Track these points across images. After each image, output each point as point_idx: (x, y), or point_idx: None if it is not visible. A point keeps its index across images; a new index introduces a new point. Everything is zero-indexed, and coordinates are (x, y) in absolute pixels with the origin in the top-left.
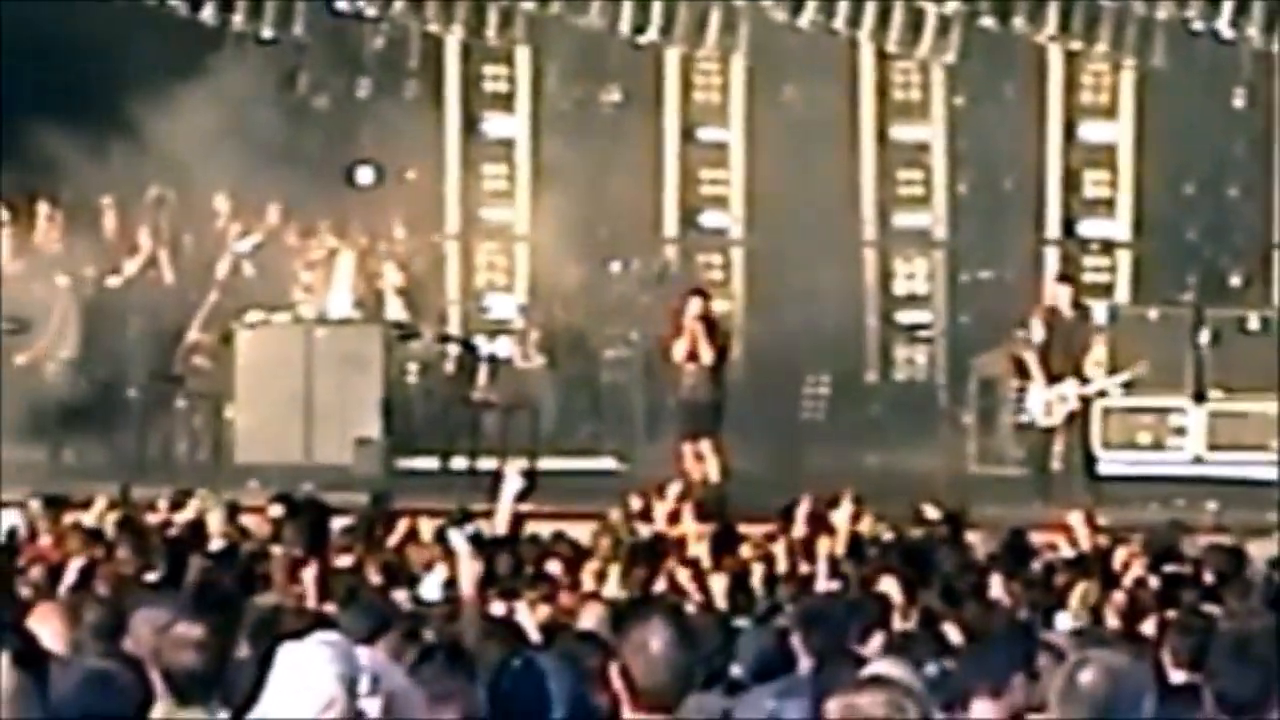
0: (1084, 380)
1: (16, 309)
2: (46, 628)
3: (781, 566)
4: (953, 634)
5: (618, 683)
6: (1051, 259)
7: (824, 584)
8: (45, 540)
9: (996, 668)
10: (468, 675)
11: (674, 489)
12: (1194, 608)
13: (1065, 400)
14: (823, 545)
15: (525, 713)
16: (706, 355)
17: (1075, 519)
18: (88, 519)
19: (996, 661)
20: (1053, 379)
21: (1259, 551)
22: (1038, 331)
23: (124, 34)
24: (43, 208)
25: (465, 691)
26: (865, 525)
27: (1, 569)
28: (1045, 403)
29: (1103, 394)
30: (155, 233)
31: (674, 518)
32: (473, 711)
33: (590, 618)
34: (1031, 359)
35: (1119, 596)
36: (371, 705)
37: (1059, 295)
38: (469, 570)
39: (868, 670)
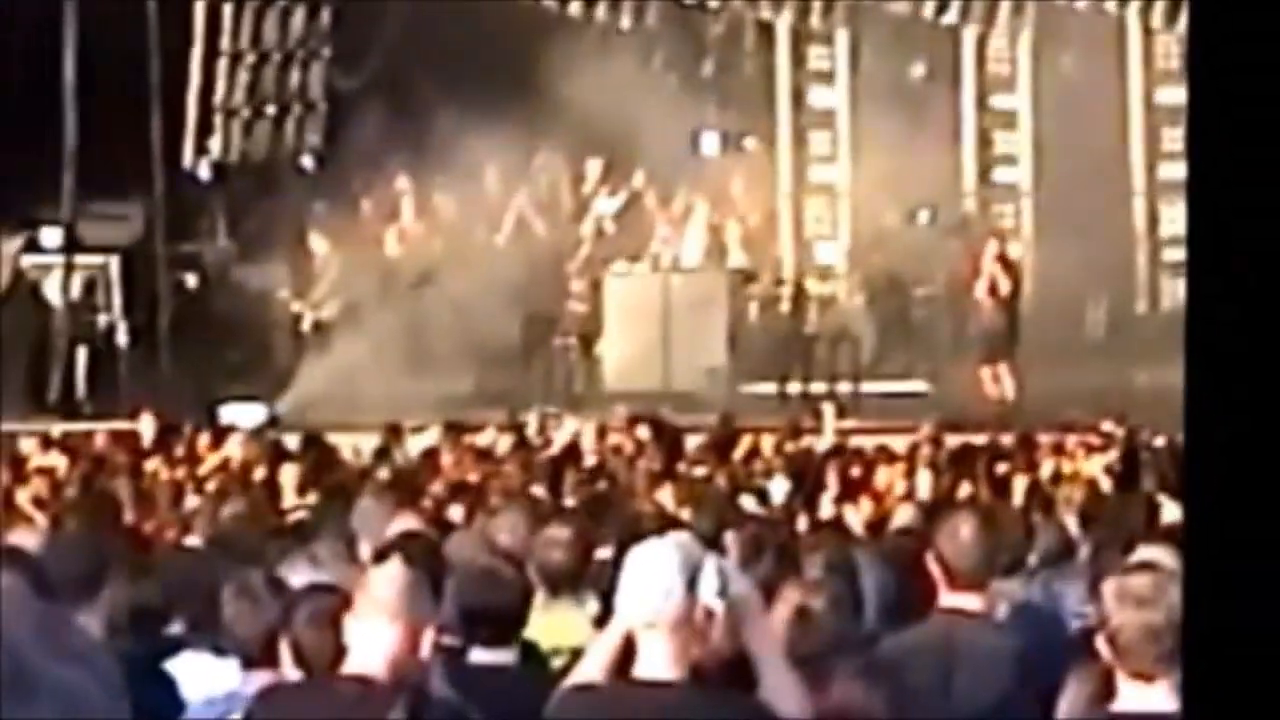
0: None
1: (420, 265)
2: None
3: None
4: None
5: (935, 568)
6: None
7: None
8: (448, 459)
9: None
10: (796, 571)
11: None
12: None
13: None
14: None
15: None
16: (1005, 288)
17: None
18: (482, 441)
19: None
20: None
21: None
22: None
23: (499, 28)
24: (439, 176)
25: (822, 582)
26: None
27: (411, 486)
28: None
29: None
30: (534, 194)
31: None
32: (834, 601)
33: (904, 516)
34: None
35: None
36: (718, 605)
37: None
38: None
39: (1136, 556)
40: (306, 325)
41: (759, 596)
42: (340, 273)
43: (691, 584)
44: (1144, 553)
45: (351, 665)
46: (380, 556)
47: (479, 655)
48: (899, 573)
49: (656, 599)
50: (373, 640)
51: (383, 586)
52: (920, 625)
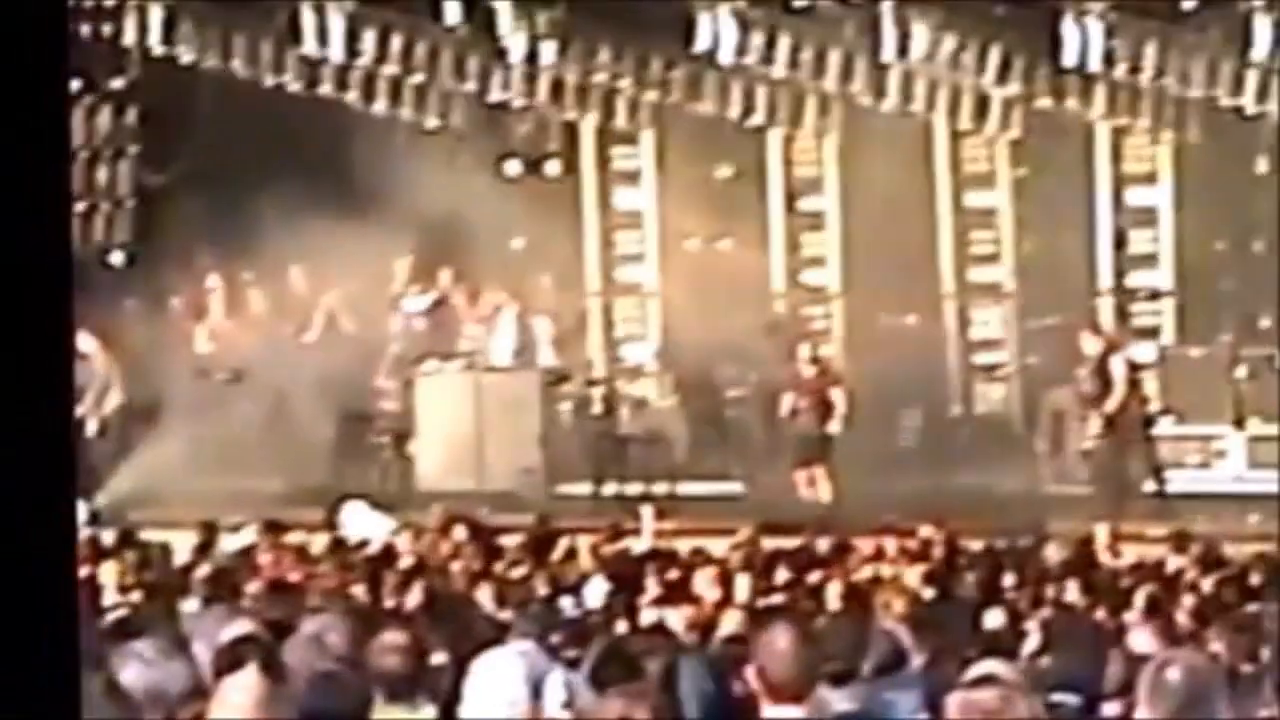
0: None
1: (231, 362)
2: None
3: (886, 574)
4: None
5: (754, 679)
6: (1105, 307)
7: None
8: (265, 559)
9: (1078, 664)
10: (640, 676)
11: None
12: (1242, 608)
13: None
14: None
15: (687, 707)
16: (838, 398)
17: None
18: (298, 540)
19: (1078, 658)
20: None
21: None
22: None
23: (305, 126)
24: (247, 274)
25: (647, 692)
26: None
27: (230, 583)
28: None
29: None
30: (342, 293)
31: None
32: (660, 711)
33: (731, 623)
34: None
35: (1175, 598)
36: (564, 716)
37: (1084, 343)
38: None
39: (975, 670)
40: (91, 427)
41: (602, 706)
42: (109, 370)
43: (536, 693)
44: (984, 665)
45: None
46: (233, 664)
47: None
48: (722, 680)
49: (502, 708)
50: None
51: (238, 695)
52: None
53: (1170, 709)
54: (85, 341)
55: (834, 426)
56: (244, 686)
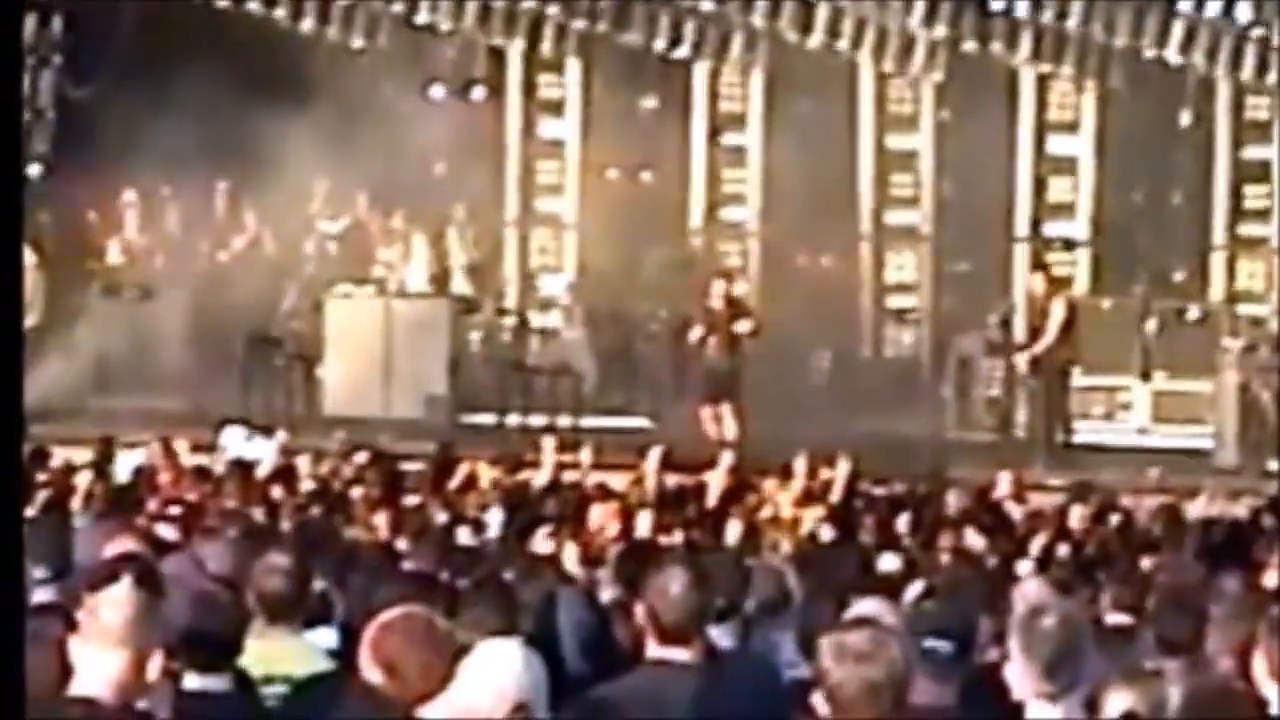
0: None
1: (143, 279)
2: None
3: (785, 514)
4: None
5: (642, 619)
6: (1021, 255)
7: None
8: (164, 478)
9: (959, 610)
10: (509, 606)
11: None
12: (1131, 560)
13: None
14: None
15: (559, 641)
16: (740, 327)
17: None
18: (200, 459)
19: (960, 605)
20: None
21: (1193, 511)
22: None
23: (231, 43)
24: (165, 190)
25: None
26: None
27: (127, 501)
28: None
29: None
30: (260, 214)
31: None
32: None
33: (618, 554)
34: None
35: (1071, 548)
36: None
37: (1033, 281)
38: None
39: (852, 610)
40: None
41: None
42: (33, 285)
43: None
44: (862, 606)
45: (77, 688)
46: (108, 579)
47: (192, 681)
48: (603, 615)
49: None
50: (99, 664)
51: (111, 611)
52: (627, 678)
53: (1043, 657)
54: None
55: (739, 362)
56: (116, 600)
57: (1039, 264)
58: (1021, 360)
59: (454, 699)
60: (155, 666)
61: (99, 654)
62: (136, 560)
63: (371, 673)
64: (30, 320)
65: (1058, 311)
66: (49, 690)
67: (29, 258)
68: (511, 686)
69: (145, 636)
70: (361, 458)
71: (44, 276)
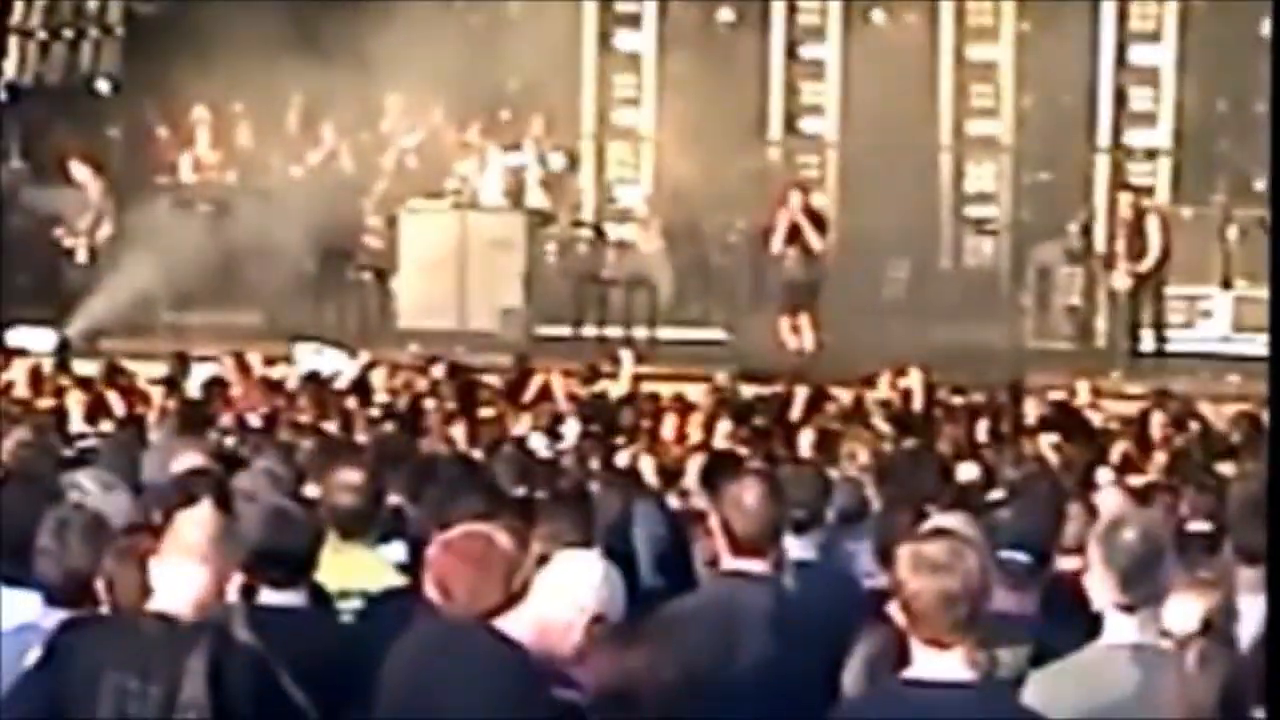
0: (1141, 272)
1: (215, 194)
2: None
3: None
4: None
5: (717, 531)
6: (1102, 165)
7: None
8: (237, 391)
9: (1037, 520)
10: (586, 518)
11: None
12: (1209, 467)
13: (1121, 281)
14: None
15: (635, 554)
16: (811, 240)
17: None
18: (274, 373)
19: (1038, 514)
20: (1110, 264)
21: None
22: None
23: None
24: (238, 106)
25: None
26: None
27: (200, 416)
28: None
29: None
30: (336, 129)
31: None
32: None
33: (698, 467)
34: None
35: (1154, 456)
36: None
37: (1121, 200)
38: None
39: (931, 522)
40: (81, 255)
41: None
42: (104, 200)
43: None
44: (940, 519)
45: (157, 604)
46: (188, 499)
47: (268, 596)
48: (678, 527)
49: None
50: (179, 581)
51: (191, 530)
52: (702, 589)
53: (1121, 568)
54: (79, 170)
55: (818, 273)
56: (199, 521)
57: (1123, 184)
58: (1120, 279)
59: (531, 609)
60: (234, 585)
61: (179, 572)
62: (212, 478)
63: (431, 591)
64: (103, 234)
65: (1154, 230)
66: (134, 605)
67: (83, 173)
68: (589, 597)
69: (224, 555)
70: (438, 370)
71: (114, 193)
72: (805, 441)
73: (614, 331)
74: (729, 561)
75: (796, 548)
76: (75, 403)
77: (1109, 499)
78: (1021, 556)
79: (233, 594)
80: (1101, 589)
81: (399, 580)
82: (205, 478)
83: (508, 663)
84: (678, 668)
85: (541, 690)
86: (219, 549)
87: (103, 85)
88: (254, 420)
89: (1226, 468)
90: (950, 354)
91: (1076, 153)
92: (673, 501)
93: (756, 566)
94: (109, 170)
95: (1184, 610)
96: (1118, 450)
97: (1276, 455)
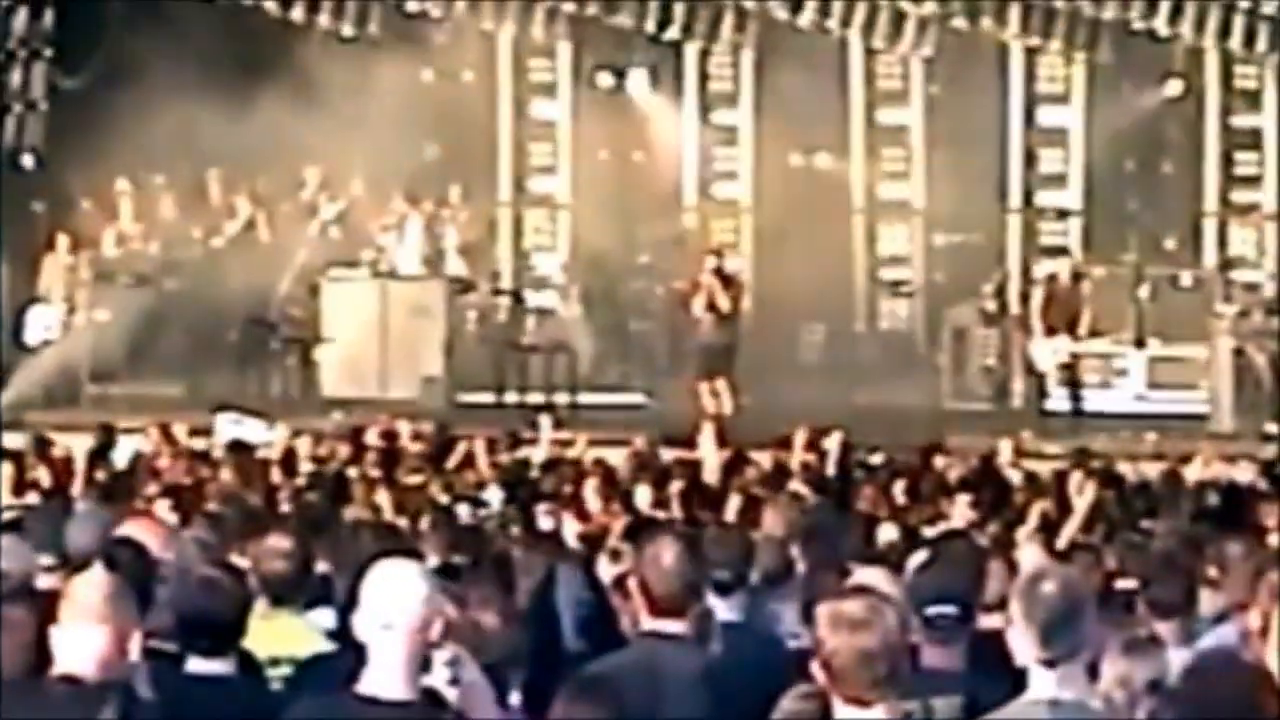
0: (1076, 339)
1: (140, 265)
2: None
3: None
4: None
5: (635, 592)
6: (1014, 225)
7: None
8: (164, 462)
9: (960, 577)
10: (508, 584)
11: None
12: (1134, 525)
13: (1059, 353)
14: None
15: (562, 615)
16: (725, 305)
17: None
18: (198, 444)
19: (961, 572)
20: (1050, 333)
21: (1190, 474)
22: (1037, 294)
23: (221, 31)
24: (159, 178)
25: (504, 599)
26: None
27: (126, 487)
28: (1049, 352)
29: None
30: (254, 200)
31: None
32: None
33: (620, 531)
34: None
35: (1071, 515)
36: (451, 694)
37: (1059, 266)
38: None
39: (852, 579)
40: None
41: (486, 682)
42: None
43: (426, 664)
44: (859, 575)
45: (61, 667)
46: (83, 564)
47: (196, 665)
48: (601, 591)
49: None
50: (80, 644)
51: (87, 592)
52: (623, 651)
53: (1041, 623)
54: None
55: (734, 337)
56: (94, 582)
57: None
58: (1050, 353)
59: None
60: (135, 644)
61: (80, 634)
62: (124, 544)
63: None
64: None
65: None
66: (29, 673)
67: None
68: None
69: (123, 614)
70: (371, 436)
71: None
72: (731, 505)
73: (535, 398)
74: (648, 622)
75: (721, 609)
76: (3, 476)
77: (1029, 556)
78: (948, 610)
79: (134, 654)
80: (1023, 644)
81: (328, 646)
82: (124, 546)
83: None
84: None
85: None
86: (117, 608)
87: (27, 160)
88: (180, 491)
89: (1149, 524)
90: (868, 415)
91: (988, 214)
92: (603, 564)
93: (675, 627)
94: (25, 243)
95: (1122, 672)
96: (1037, 509)
97: None
